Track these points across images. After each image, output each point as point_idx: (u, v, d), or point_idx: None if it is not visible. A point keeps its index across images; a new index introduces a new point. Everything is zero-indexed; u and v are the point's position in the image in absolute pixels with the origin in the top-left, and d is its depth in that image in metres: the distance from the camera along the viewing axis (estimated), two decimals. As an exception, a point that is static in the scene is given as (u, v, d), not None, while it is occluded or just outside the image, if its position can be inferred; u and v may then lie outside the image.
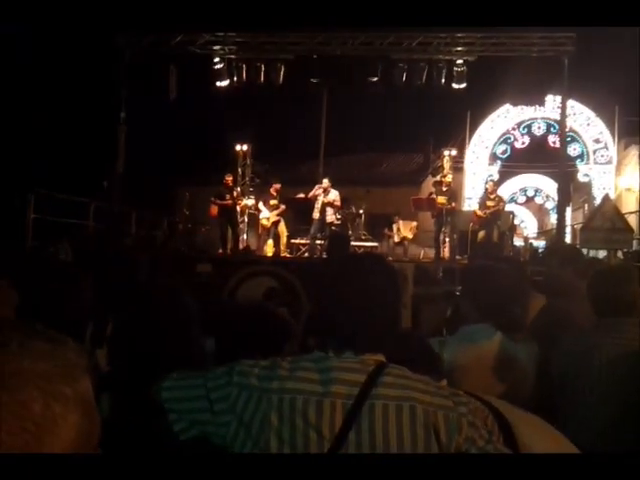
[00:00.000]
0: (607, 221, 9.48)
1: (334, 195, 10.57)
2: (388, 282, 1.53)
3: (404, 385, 1.39)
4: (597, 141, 15.09)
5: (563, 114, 10.93)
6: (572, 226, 13.33)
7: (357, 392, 1.36)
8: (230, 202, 10.60)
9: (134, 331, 2.13)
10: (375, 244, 11.60)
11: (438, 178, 10.44)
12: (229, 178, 10.87)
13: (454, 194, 10.39)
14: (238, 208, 11.02)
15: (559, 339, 2.72)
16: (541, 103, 11.87)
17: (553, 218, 13.66)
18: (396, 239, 11.50)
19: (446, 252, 10.36)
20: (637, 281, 2.46)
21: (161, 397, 1.44)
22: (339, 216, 10.86)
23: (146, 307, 2.23)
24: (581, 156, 15.10)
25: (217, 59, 11.92)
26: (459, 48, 11.01)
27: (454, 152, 12.95)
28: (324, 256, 10.03)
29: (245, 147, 13.99)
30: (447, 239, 10.41)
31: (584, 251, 5.10)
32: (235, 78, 11.94)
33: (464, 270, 2.66)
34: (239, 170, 13.49)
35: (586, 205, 13.54)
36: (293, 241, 11.74)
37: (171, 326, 2.20)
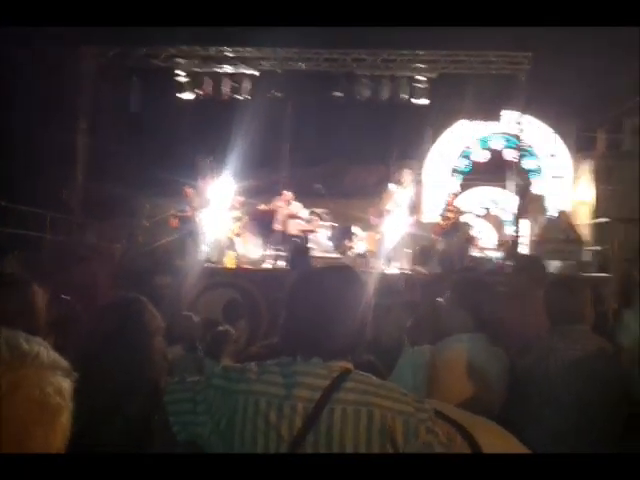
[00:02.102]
0: (561, 233, 9.77)
1: (296, 207, 10.63)
2: (351, 289, 1.58)
3: (365, 391, 1.43)
4: (552, 155, 15.52)
5: (520, 129, 11.26)
6: (529, 237, 13.65)
7: (318, 396, 1.39)
8: (190, 213, 10.54)
9: (96, 344, 2.12)
10: (337, 255, 11.66)
11: (399, 190, 10.59)
12: (189, 190, 10.81)
13: (414, 206, 10.57)
14: (198, 220, 10.96)
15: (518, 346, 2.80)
16: (497, 119, 12.21)
17: (510, 230, 13.97)
18: (357, 250, 11.59)
19: (406, 263, 10.50)
20: (588, 290, 2.57)
21: (164, 400, 1.52)
22: (301, 228, 10.90)
23: (108, 319, 2.22)
24: (536, 170, 15.50)
25: (181, 72, 11.90)
26: (421, 65, 11.28)
27: (414, 165, 13.16)
28: (286, 267, 10.05)
29: (207, 159, 13.92)
30: (408, 250, 10.56)
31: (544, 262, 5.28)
32: (200, 91, 11.93)
33: (458, 282, 2.75)
34: (200, 182, 13.40)
35: (539, 217, 13.89)
36: (255, 253, 11.70)
37: (135, 337, 2.19)
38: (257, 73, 11.68)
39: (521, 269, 4.24)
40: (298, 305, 1.60)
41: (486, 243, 13.43)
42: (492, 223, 14.71)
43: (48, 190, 11.89)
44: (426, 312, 3.66)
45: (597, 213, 13.43)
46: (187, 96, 11.90)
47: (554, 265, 9.50)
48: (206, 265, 10.47)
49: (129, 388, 1.96)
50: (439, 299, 3.59)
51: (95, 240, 11.34)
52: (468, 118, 13.87)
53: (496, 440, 1.65)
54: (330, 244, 12.06)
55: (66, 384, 0.75)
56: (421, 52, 11.20)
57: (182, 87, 11.87)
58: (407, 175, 10.60)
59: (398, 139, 13.08)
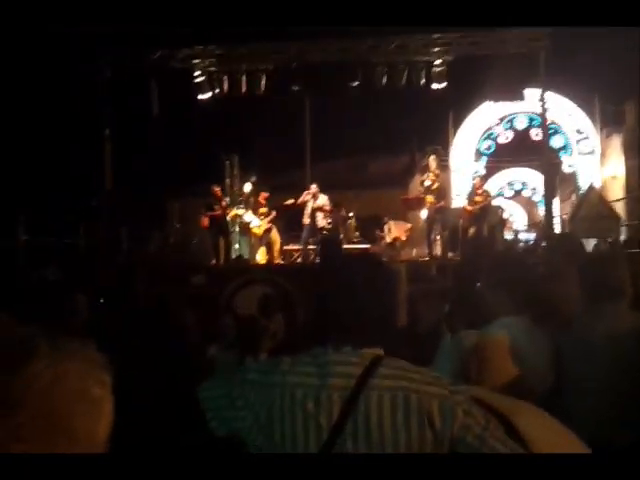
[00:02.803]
0: (594, 210, 9.60)
1: (323, 200, 10.64)
2: (382, 279, 1.59)
3: (399, 376, 1.44)
4: (579, 132, 15.24)
5: (543, 107, 11.07)
6: (561, 217, 13.44)
7: (353, 384, 1.41)
8: (220, 212, 10.63)
9: (137, 345, 2.17)
10: (367, 246, 11.66)
11: (425, 177, 10.51)
12: (217, 189, 10.90)
13: (442, 192, 10.47)
14: (228, 218, 11.05)
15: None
16: (521, 98, 12.00)
17: (541, 210, 13.77)
18: (388, 240, 11.56)
19: (438, 250, 10.44)
20: (624, 267, 2.53)
21: (200, 397, 1.54)
22: (329, 220, 10.91)
23: (146, 321, 2.27)
24: (564, 147, 15.24)
25: (197, 72, 11.97)
26: (437, 49, 11.15)
27: (439, 151, 13.05)
28: (317, 261, 10.08)
29: (232, 157, 14.03)
30: (438, 237, 10.49)
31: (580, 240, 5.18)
32: (217, 90, 11.98)
33: (496, 265, 2.72)
34: (227, 180, 13.52)
35: (573, 196, 13.66)
36: (285, 248, 11.77)
37: (172, 336, 2.24)
38: (272, 67, 11.67)
39: (556, 248, 4.18)
40: (327, 295, 1.62)
41: (518, 225, 13.30)
42: (523, 205, 14.54)
43: (79, 198, 12.12)
44: (464, 297, 3.64)
45: (629, 188, 13.17)
46: (206, 96, 11.99)
47: (589, 243, 9.36)
48: (238, 262, 10.57)
49: (166, 385, 2.00)
50: (477, 284, 3.56)
51: (128, 244, 11.52)
52: (490, 99, 13.70)
53: (536, 425, 1.64)
54: (359, 235, 12.06)
55: (106, 377, 0.80)
56: (436, 35, 11.05)
57: (200, 87, 11.96)
58: (433, 161, 10.50)
59: (420, 125, 12.99)
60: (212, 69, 11.94)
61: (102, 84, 11.91)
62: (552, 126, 14.00)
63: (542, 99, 11.11)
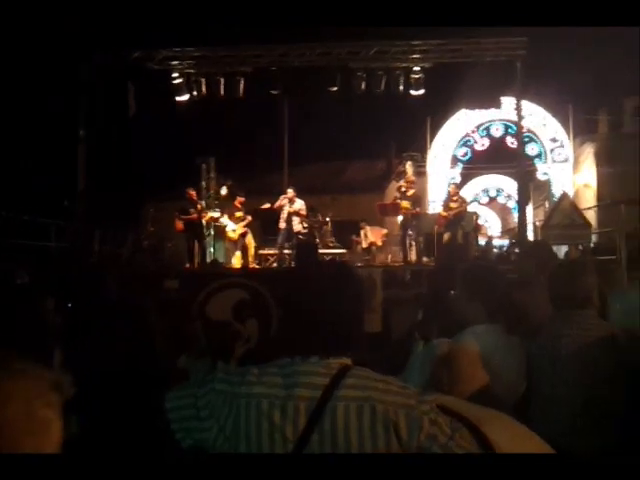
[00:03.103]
0: (566, 217, 9.73)
1: (299, 204, 10.62)
2: (350, 287, 1.57)
3: (366, 386, 1.43)
4: (553, 140, 15.47)
5: (519, 115, 11.21)
6: (533, 223, 13.61)
7: (319, 395, 1.40)
8: (195, 216, 10.55)
9: (103, 351, 2.11)
10: (343, 251, 11.67)
11: (401, 183, 10.57)
12: (193, 192, 10.82)
13: (418, 198, 10.55)
14: (203, 222, 10.97)
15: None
16: (497, 106, 12.15)
17: (515, 217, 13.95)
18: (364, 245, 11.59)
19: (413, 255, 10.49)
20: (593, 274, 2.54)
21: (166, 407, 1.50)
22: (305, 225, 10.90)
23: (115, 327, 2.22)
24: (539, 155, 15.46)
25: (176, 74, 11.88)
26: (415, 55, 11.22)
27: (416, 157, 13.15)
28: (293, 265, 10.05)
29: (208, 160, 13.95)
30: (413, 242, 10.55)
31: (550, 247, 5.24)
32: (195, 92, 11.91)
33: (468, 272, 2.71)
34: (203, 184, 13.43)
35: (546, 203, 13.86)
36: (261, 252, 11.72)
37: (140, 344, 2.19)
38: (251, 70, 11.64)
39: (529, 255, 4.21)
40: (294, 304, 1.60)
41: (492, 231, 13.44)
42: (497, 211, 14.70)
43: (50, 199, 11.92)
44: (437, 305, 3.63)
45: (600, 196, 13.39)
46: (183, 97, 11.90)
47: (561, 250, 9.48)
48: (213, 266, 10.49)
49: (135, 395, 1.95)
50: (451, 292, 3.56)
51: (100, 247, 11.35)
52: (467, 107, 13.84)
53: (506, 433, 1.64)
54: (335, 240, 12.06)
55: (55, 397, 0.78)
56: (415, 42, 11.15)
57: (178, 89, 11.87)
58: (409, 168, 10.57)
59: (397, 132, 13.07)
60: (190, 71, 11.86)
61: (78, 84, 11.76)
62: (527, 134, 14.19)
63: (518, 107, 11.25)
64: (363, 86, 11.39)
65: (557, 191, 14.36)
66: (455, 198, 10.55)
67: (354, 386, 1.43)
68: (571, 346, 2.49)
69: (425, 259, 10.26)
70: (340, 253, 11.50)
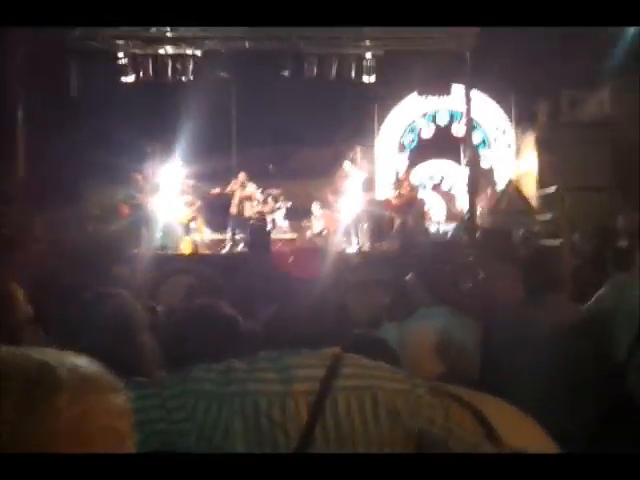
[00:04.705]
0: (512, 203, 10.06)
1: (251, 189, 10.56)
2: (310, 272, 1.58)
3: (363, 375, 1.43)
4: (497, 128, 15.85)
5: (468, 103, 11.45)
6: (480, 210, 13.95)
7: (318, 388, 1.39)
8: (141, 200, 10.32)
9: (80, 344, 2.05)
10: (294, 236, 11.67)
11: (351, 169, 10.65)
12: (139, 176, 10.57)
13: (368, 183, 10.66)
14: (150, 206, 10.73)
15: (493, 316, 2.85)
16: (448, 93, 12.36)
17: (460, 203, 14.25)
18: (315, 231, 11.61)
19: (365, 240, 10.62)
20: (568, 259, 2.65)
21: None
22: (257, 210, 10.84)
23: (91, 317, 2.14)
24: (483, 142, 15.81)
25: (121, 54, 11.50)
26: (367, 42, 11.27)
27: (366, 143, 13.24)
28: (244, 250, 9.99)
29: (154, 144, 13.61)
30: (364, 227, 10.67)
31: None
32: (141, 74, 11.57)
33: (419, 258, 2.76)
34: (149, 168, 13.11)
35: (489, 189, 14.23)
36: (211, 237, 11.58)
37: (122, 335, 2.13)
38: (200, 53, 11.40)
39: (486, 239, 4.33)
40: (275, 299, 1.59)
41: (438, 217, 13.72)
42: (443, 197, 14.98)
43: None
44: (396, 289, 3.69)
45: (541, 183, 13.84)
46: (129, 79, 11.56)
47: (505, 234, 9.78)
48: (162, 252, 10.30)
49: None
50: (407, 276, 3.62)
51: (43, 232, 10.95)
52: (418, 93, 13.97)
53: (501, 411, 1.68)
54: (287, 225, 12.04)
55: (127, 407, 0.71)
56: (367, 29, 11.18)
57: (123, 70, 11.51)
58: (359, 153, 10.66)
59: (348, 118, 13.10)
60: (136, 51, 11.51)
61: (15, 62, 11.22)
62: (473, 123, 14.48)
63: (467, 95, 11.49)
64: (315, 72, 11.36)
65: (500, 178, 14.76)
66: (404, 184, 10.72)
67: (352, 376, 1.42)
68: (543, 330, 2.56)
69: (377, 244, 10.40)
70: (292, 238, 11.50)
